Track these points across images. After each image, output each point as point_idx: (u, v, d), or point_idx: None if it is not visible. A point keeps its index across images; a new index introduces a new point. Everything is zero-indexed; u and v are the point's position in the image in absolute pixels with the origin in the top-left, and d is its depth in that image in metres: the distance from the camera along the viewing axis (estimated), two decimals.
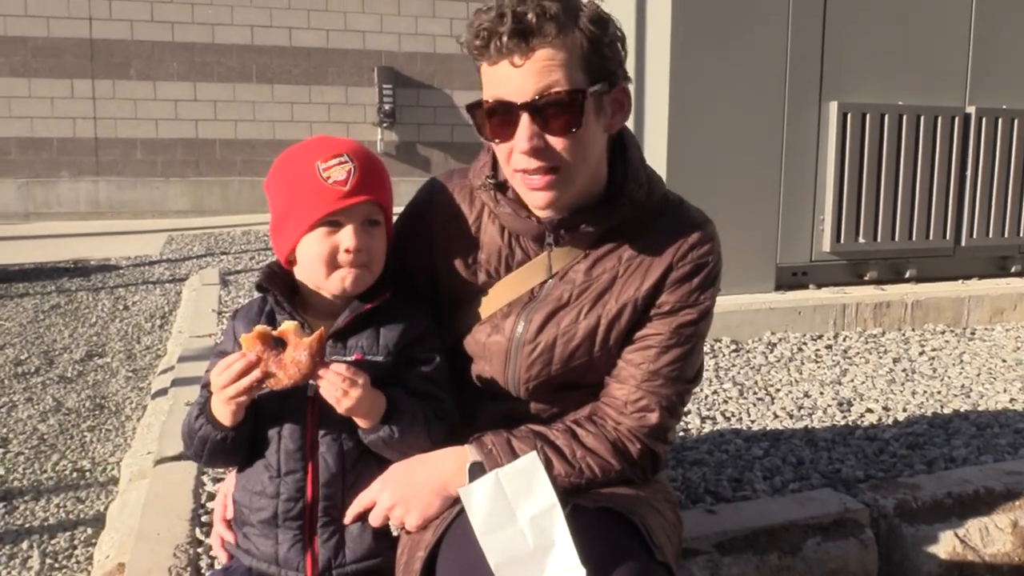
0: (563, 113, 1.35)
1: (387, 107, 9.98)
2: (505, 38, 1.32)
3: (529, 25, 1.31)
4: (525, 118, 1.35)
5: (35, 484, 2.81)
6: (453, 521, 1.33)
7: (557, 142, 1.37)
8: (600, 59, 1.38)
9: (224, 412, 1.38)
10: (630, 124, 1.48)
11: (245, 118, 9.76)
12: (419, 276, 1.57)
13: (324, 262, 1.41)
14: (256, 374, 1.33)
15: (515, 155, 1.38)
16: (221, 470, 2.19)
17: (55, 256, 6.77)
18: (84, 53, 9.21)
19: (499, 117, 1.38)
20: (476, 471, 1.36)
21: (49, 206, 9.35)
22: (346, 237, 1.40)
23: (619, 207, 1.46)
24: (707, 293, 1.50)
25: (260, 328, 1.34)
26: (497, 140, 1.40)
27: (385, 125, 10.07)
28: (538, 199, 1.42)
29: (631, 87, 1.48)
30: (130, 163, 9.50)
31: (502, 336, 1.50)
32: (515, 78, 1.34)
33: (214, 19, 9.54)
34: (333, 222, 1.40)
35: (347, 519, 1.43)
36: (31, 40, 9.07)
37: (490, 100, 1.38)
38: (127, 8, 9.27)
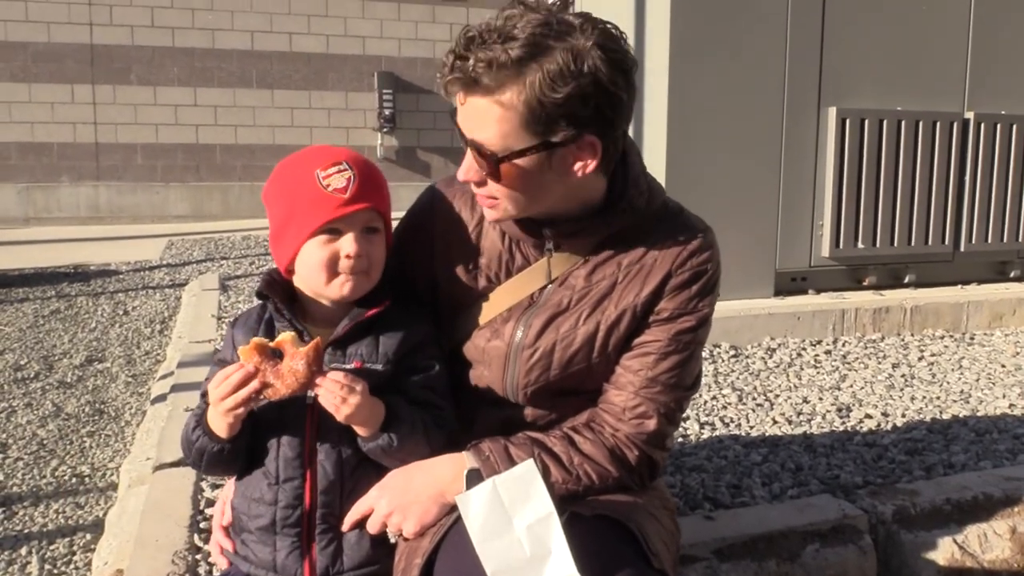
0: (487, 165, 1.36)
1: (387, 112, 10.00)
2: (447, 79, 1.32)
3: (467, 75, 1.29)
4: (469, 153, 1.38)
5: (34, 489, 2.81)
6: (451, 528, 1.33)
7: (491, 182, 1.38)
8: (547, 118, 1.30)
9: (221, 424, 1.38)
10: (631, 130, 1.47)
11: (245, 123, 9.78)
12: (419, 282, 1.57)
13: (324, 269, 1.41)
14: (254, 385, 1.33)
15: None
16: (220, 476, 2.20)
17: (55, 261, 6.78)
18: (85, 58, 9.23)
19: (460, 134, 1.40)
20: (473, 478, 1.36)
21: (49, 211, 9.37)
22: (346, 244, 1.41)
23: (619, 214, 1.46)
24: (706, 300, 1.50)
25: (257, 340, 1.35)
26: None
27: (385, 130, 10.09)
28: (487, 215, 1.47)
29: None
30: (130, 168, 9.51)
31: (501, 341, 1.51)
32: (461, 112, 1.36)
33: (214, 24, 9.56)
34: (333, 229, 1.41)
35: (345, 526, 1.43)
36: (32, 45, 9.09)
37: (455, 119, 1.39)
38: (128, 14, 9.29)
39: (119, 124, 9.41)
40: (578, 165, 1.37)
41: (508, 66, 1.27)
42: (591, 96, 1.30)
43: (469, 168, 1.39)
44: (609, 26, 1.34)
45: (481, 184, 1.40)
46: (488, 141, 1.33)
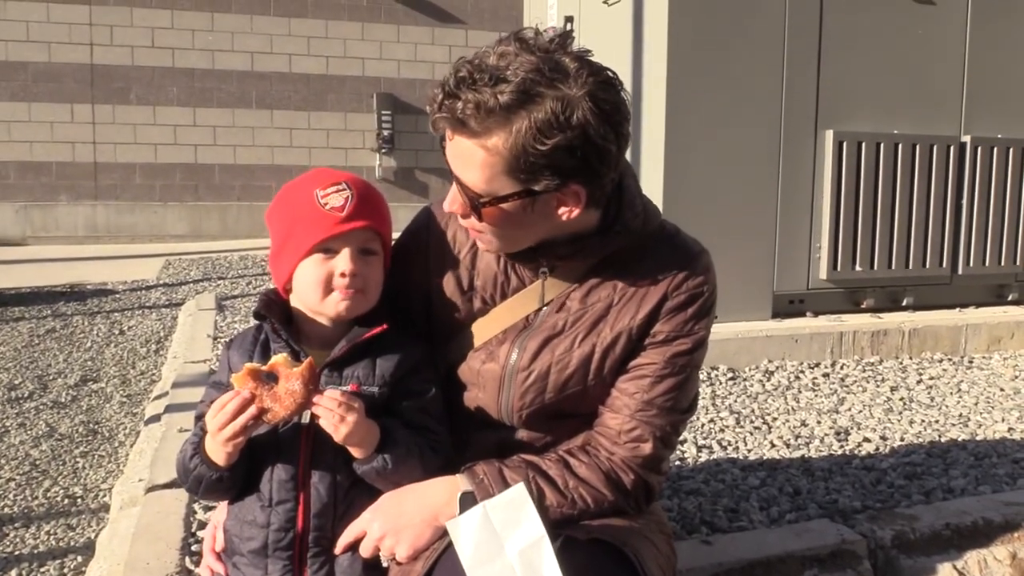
0: (470, 205, 1.36)
1: (386, 133, 10.03)
2: (435, 116, 1.32)
3: (455, 116, 1.27)
4: (455, 184, 1.38)
5: (26, 511, 2.78)
6: (444, 552, 1.32)
7: (473, 219, 1.39)
8: (531, 167, 1.28)
9: (220, 453, 1.37)
10: (628, 152, 1.47)
11: (244, 143, 9.81)
12: (415, 302, 1.56)
13: (320, 286, 1.42)
14: (251, 411, 1.33)
15: None
16: (216, 501, 2.17)
17: (52, 280, 6.77)
18: (84, 78, 9.27)
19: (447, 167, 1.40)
20: (467, 501, 1.35)
21: (47, 230, 9.37)
22: (342, 262, 1.41)
23: (615, 236, 1.46)
24: (702, 323, 1.49)
25: (249, 365, 1.34)
26: None
27: (384, 151, 10.12)
28: (477, 242, 1.48)
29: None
30: (129, 187, 9.53)
31: (496, 364, 1.50)
32: (449, 148, 1.36)
33: (214, 45, 9.61)
34: (330, 248, 1.41)
35: (338, 549, 1.41)
36: (32, 65, 9.13)
37: (443, 149, 1.38)
38: (128, 34, 9.34)
39: (118, 143, 9.43)
40: (562, 210, 1.37)
41: (496, 111, 1.25)
42: (578, 148, 1.28)
43: (454, 200, 1.39)
44: (607, 73, 1.31)
45: (465, 216, 1.40)
46: (471, 182, 1.33)
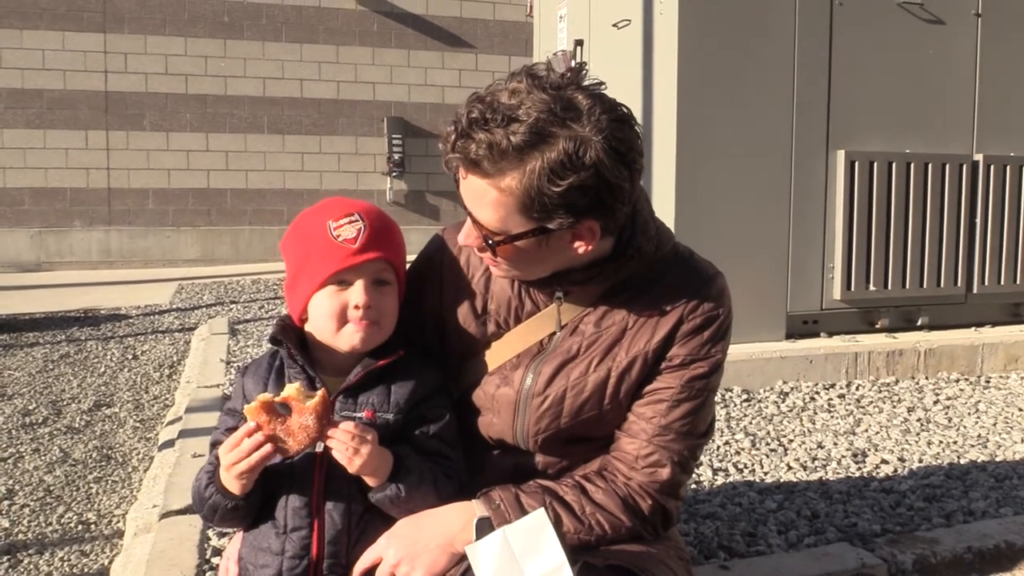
0: (484, 242, 1.37)
1: (396, 157, 10.08)
2: (448, 156, 1.33)
3: (468, 157, 1.28)
4: (468, 221, 1.39)
5: (40, 537, 2.77)
6: None
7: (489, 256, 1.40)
8: (545, 207, 1.29)
9: (234, 484, 1.37)
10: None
11: (256, 168, 9.87)
12: (428, 328, 1.56)
13: (334, 318, 1.42)
14: (266, 450, 1.33)
15: None
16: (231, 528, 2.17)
17: (66, 305, 6.80)
18: (99, 105, 9.37)
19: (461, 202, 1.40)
20: (484, 527, 1.34)
21: (62, 255, 9.43)
22: (355, 294, 1.41)
23: (628, 260, 1.45)
24: (718, 346, 1.48)
25: (262, 398, 1.34)
26: None
27: (394, 175, 10.16)
28: (493, 271, 1.48)
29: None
30: (142, 213, 9.60)
31: (511, 388, 1.49)
32: (462, 185, 1.36)
33: (227, 72, 9.70)
34: (343, 280, 1.42)
35: (354, 575, 1.40)
36: (47, 92, 9.23)
37: (457, 184, 1.39)
38: (142, 61, 9.44)
39: (132, 169, 9.51)
40: (575, 245, 1.37)
41: (509, 153, 1.25)
42: (591, 187, 1.28)
43: (469, 234, 1.40)
44: (621, 110, 1.31)
45: (482, 251, 1.41)
46: (485, 220, 1.34)
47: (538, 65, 1.34)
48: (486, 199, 1.31)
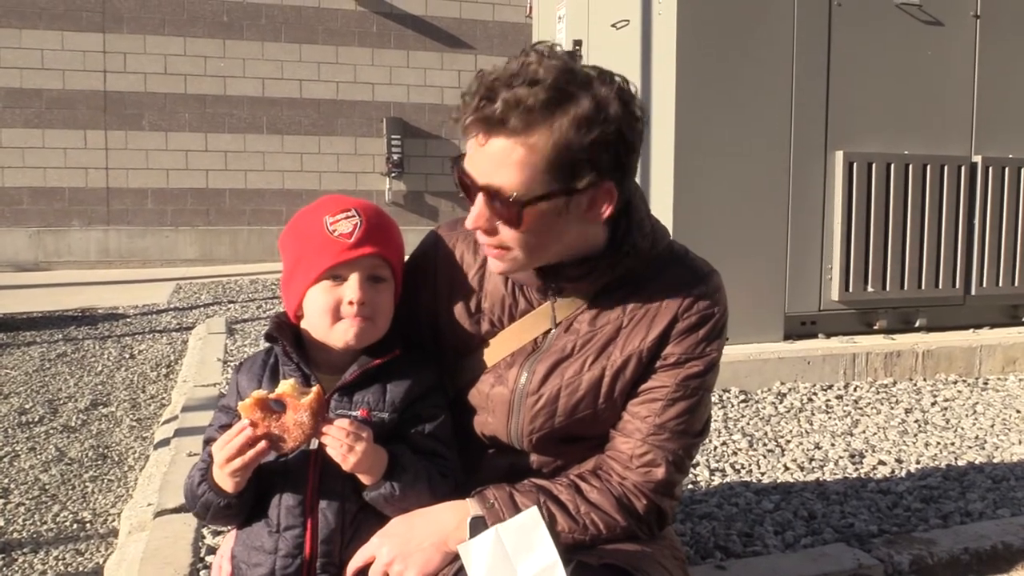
0: (505, 211, 1.32)
1: (395, 157, 10.08)
2: (470, 119, 1.30)
3: (493, 115, 1.27)
4: (479, 198, 1.34)
5: (35, 536, 2.76)
6: None
7: (504, 229, 1.35)
8: (572, 163, 1.29)
9: (227, 482, 1.36)
10: (637, 173, 1.46)
11: (255, 168, 9.87)
12: (422, 326, 1.55)
13: (328, 313, 1.41)
14: (260, 447, 1.32)
15: None
16: (224, 526, 2.16)
17: (64, 305, 6.79)
18: (98, 105, 9.36)
19: (464, 182, 1.36)
20: (477, 525, 1.33)
21: (60, 255, 9.43)
22: (349, 290, 1.40)
23: (623, 257, 1.44)
24: (713, 344, 1.48)
25: (257, 394, 1.33)
26: (465, 201, 1.39)
27: (393, 175, 10.16)
28: (495, 267, 1.43)
29: None
30: (141, 212, 9.59)
31: (505, 387, 1.48)
32: (476, 156, 1.33)
33: (226, 72, 9.70)
34: (338, 275, 1.41)
35: (347, 574, 1.39)
36: (46, 92, 9.23)
37: (460, 165, 1.36)
38: (141, 61, 9.44)
39: (130, 169, 9.51)
40: (594, 211, 1.36)
41: (536, 109, 1.26)
42: (612, 144, 1.30)
43: (479, 215, 1.34)
44: (621, 77, 1.35)
45: (490, 232, 1.36)
46: (508, 184, 1.30)
47: (539, 44, 1.35)
48: (511, 159, 1.28)
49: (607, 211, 1.36)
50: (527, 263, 1.40)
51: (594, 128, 1.28)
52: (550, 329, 1.49)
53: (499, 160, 1.29)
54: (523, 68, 1.28)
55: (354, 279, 1.40)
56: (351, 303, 1.40)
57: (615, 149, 1.31)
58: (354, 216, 1.41)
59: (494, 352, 1.50)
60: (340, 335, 1.41)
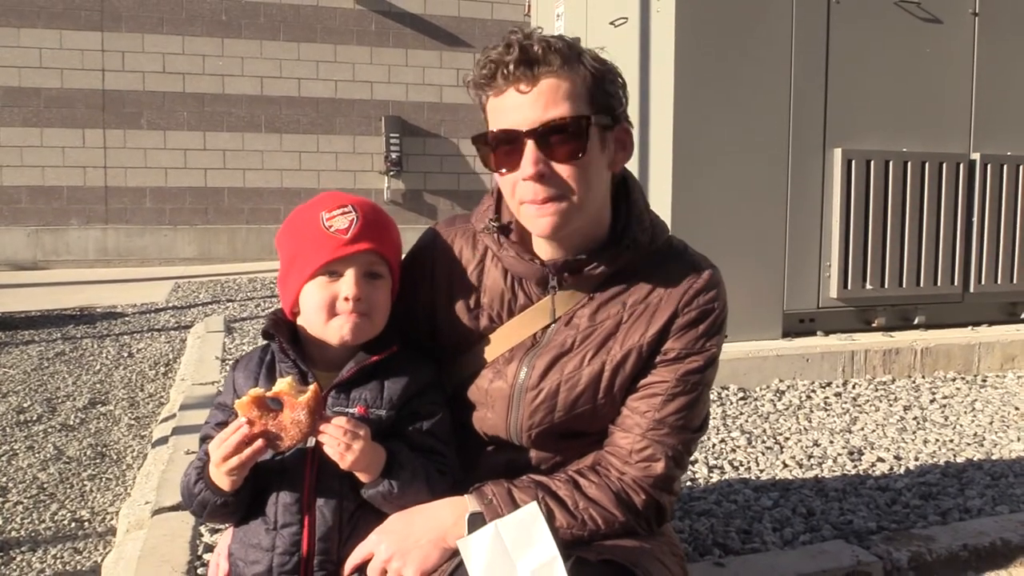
0: (568, 140, 1.36)
1: (394, 156, 10.07)
2: (512, 66, 1.35)
3: (535, 55, 1.34)
4: (530, 145, 1.35)
5: (33, 534, 2.76)
6: (452, 573, 1.30)
7: (563, 169, 1.37)
8: (604, 94, 1.40)
9: (224, 480, 1.36)
10: (635, 170, 1.48)
11: (253, 167, 9.86)
12: (420, 322, 1.55)
13: (324, 309, 1.40)
14: (257, 445, 1.32)
15: (520, 185, 1.38)
16: (221, 524, 2.15)
17: (62, 303, 6.78)
18: (96, 104, 9.35)
19: (504, 147, 1.38)
20: (476, 522, 1.33)
21: (58, 254, 9.42)
22: (345, 285, 1.40)
23: (623, 250, 1.45)
24: (713, 340, 1.47)
25: (254, 392, 1.32)
26: (503, 170, 1.40)
27: (392, 174, 10.15)
28: (542, 225, 1.40)
29: (634, 132, 1.49)
30: (139, 211, 9.58)
31: (504, 382, 1.48)
32: (521, 106, 1.36)
33: (224, 70, 9.69)
34: (334, 271, 1.40)
35: (345, 571, 1.39)
36: (44, 91, 9.22)
37: (495, 130, 1.39)
38: (139, 60, 9.43)
39: (129, 168, 9.50)
40: (618, 155, 1.46)
41: (566, 51, 1.37)
42: (621, 87, 1.44)
43: (536, 158, 1.35)
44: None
45: (545, 177, 1.36)
46: (564, 115, 1.36)
47: (521, 26, 1.45)
48: (559, 92, 1.36)
49: (626, 158, 1.47)
50: (575, 212, 1.39)
51: (608, 68, 1.42)
52: (550, 324, 1.49)
53: (549, 96, 1.36)
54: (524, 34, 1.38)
55: (350, 275, 1.40)
56: (347, 299, 1.39)
57: (623, 92, 1.44)
58: (350, 212, 1.41)
59: (493, 347, 1.50)
60: (335, 331, 1.41)
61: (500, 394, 1.48)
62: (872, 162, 4.23)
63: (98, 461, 3.40)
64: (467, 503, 1.37)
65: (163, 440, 3.16)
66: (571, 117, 1.36)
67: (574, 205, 1.38)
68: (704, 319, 1.46)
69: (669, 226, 1.54)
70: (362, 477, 1.36)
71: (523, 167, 1.36)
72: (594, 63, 1.40)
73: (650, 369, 1.46)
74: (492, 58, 1.37)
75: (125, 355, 5.10)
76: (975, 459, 2.91)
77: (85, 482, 3.19)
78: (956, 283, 4.48)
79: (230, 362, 4.33)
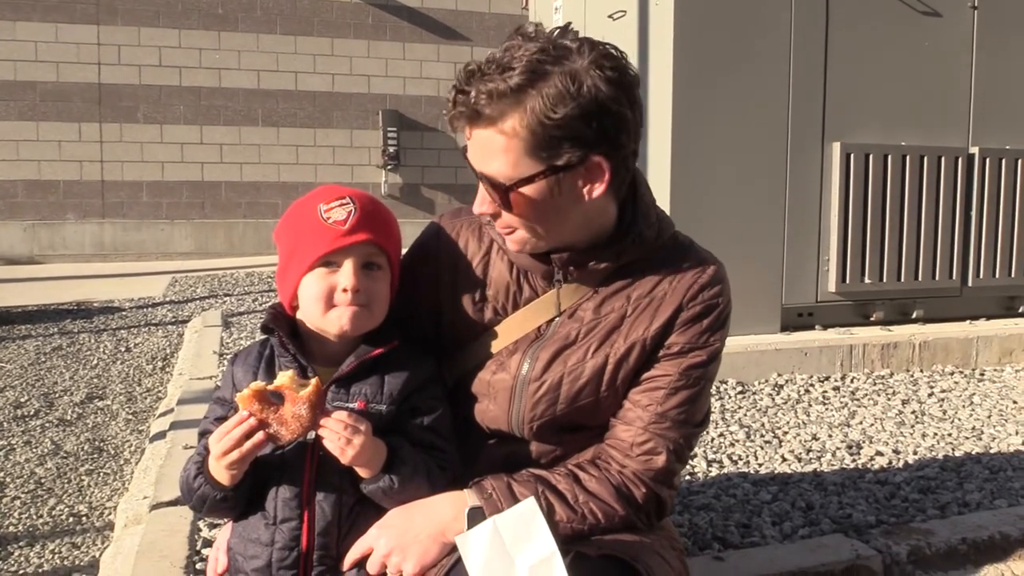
0: (497, 196, 1.36)
1: (391, 150, 10.05)
2: (451, 114, 1.35)
3: (469, 108, 1.31)
4: (481, 185, 1.38)
5: (30, 530, 2.76)
6: (452, 569, 1.29)
7: (504, 213, 1.39)
8: (550, 141, 1.30)
9: (223, 474, 1.35)
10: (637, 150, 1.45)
11: (251, 161, 9.84)
12: (424, 315, 1.54)
13: (321, 301, 1.39)
14: (258, 438, 1.31)
15: None
16: (220, 519, 2.15)
17: (59, 298, 6.77)
18: (92, 97, 9.32)
19: (471, 169, 1.41)
20: (475, 516, 1.32)
21: (55, 248, 9.40)
22: (344, 277, 1.39)
23: (628, 245, 1.44)
24: (717, 335, 1.47)
25: (255, 386, 1.32)
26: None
27: (389, 167, 10.14)
28: (510, 247, 1.46)
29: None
30: (136, 205, 9.56)
31: (507, 374, 1.48)
32: (469, 147, 1.38)
33: (221, 64, 9.67)
34: (332, 262, 1.40)
35: (345, 565, 1.39)
36: (40, 85, 9.19)
37: (465, 154, 1.41)
38: (136, 53, 9.40)
39: (125, 162, 9.48)
40: (587, 188, 1.36)
41: (507, 94, 1.28)
42: (593, 116, 1.29)
43: (482, 200, 1.40)
44: (607, 46, 1.34)
45: (496, 216, 1.40)
46: (497, 172, 1.33)
47: (527, 24, 1.37)
48: (493, 147, 1.32)
49: (600, 188, 1.36)
50: (536, 243, 1.42)
51: (568, 103, 1.27)
52: (554, 317, 1.48)
53: (484, 149, 1.34)
54: (504, 53, 1.31)
55: (348, 266, 1.39)
56: (345, 290, 1.38)
57: (596, 122, 1.30)
58: (348, 203, 1.40)
59: (498, 340, 1.50)
60: (334, 322, 1.40)
61: (503, 386, 1.48)
62: (871, 156, 4.23)
63: (96, 456, 3.39)
64: (467, 497, 1.37)
65: (161, 435, 3.16)
66: (493, 182, 1.35)
67: (539, 234, 1.41)
68: (708, 314, 1.46)
69: None
70: (362, 472, 1.36)
71: (475, 202, 1.42)
72: (547, 107, 1.26)
73: (654, 362, 1.46)
74: (449, 94, 1.37)
75: (122, 350, 5.09)
76: (973, 453, 2.91)
77: (83, 477, 3.18)
78: (954, 277, 4.49)
79: (228, 356, 4.32)
